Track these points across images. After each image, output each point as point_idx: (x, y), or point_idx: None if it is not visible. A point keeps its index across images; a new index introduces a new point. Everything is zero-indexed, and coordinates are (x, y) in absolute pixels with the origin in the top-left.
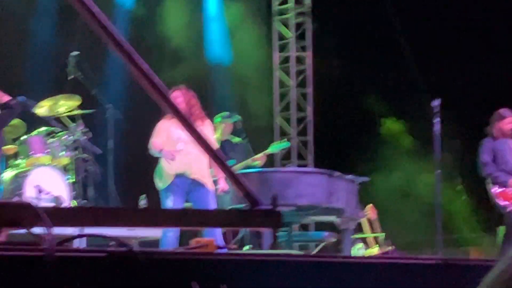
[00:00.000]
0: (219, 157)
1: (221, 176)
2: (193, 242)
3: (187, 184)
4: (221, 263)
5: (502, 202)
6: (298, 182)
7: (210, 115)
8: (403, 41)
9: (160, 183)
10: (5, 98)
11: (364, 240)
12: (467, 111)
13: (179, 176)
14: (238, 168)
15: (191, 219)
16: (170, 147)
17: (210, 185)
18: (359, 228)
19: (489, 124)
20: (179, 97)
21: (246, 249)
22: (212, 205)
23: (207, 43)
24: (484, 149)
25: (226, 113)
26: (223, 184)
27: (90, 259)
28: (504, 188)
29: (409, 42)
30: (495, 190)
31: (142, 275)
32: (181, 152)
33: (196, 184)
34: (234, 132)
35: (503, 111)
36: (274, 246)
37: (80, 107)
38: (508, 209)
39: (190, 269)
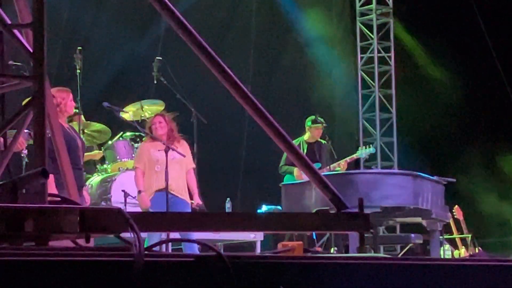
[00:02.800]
0: (305, 161)
1: (196, 192)
2: (279, 246)
3: (166, 199)
4: (308, 267)
5: None
6: (384, 184)
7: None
8: (489, 42)
9: None
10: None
11: (451, 242)
12: None
13: (159, 191)
14: (324, 171)
15: (280, 223)
16: (150, 168)
17: (187, 200)
18: (447, 229)
19: None
20: (162, 121)
21: (331, 251)
22: (188, 208)
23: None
24: None
25: (314, 117)
26: (197, 200)
27: (178, 264)
28: None
29: (496, 43)
30: None
31: (230, 279)
32: (158, 173)
33: (175, 199)
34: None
35: None
36: (361, 249)
37: (163, 111)
38: None
39: (277, 273)
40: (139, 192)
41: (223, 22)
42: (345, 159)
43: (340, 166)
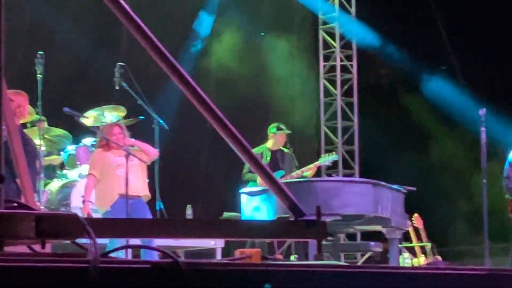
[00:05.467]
0: (264, 169)
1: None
2: (237, 253)
3: (127, 201)
4: (265, 274)
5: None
6: (344, 192)
7: (261, 124)
8: (450, 49)
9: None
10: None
11: (410, 250)
12: None
13: (121, 196)
14: (287, 178)
15: (237, 230)
16: (109, 173)
17: (146, 199)
18: (405, 238)
19: None
20: (120, 133)
21: (292, 259)
22: (149, 214)
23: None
24: (510, 162)
25: (278, 124)
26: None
27: (134, 271)
28: None
29: (456, 49)
30: None
31: (187, 286)
32: (121, 178)
33: (138, 204)
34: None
35: None
36: (319, 256)
37: (125, 117)
38: None
39: (234, 280)
40: (84, 200)
41: (185, 29)
42: (310, 165)
43: (310, 171)
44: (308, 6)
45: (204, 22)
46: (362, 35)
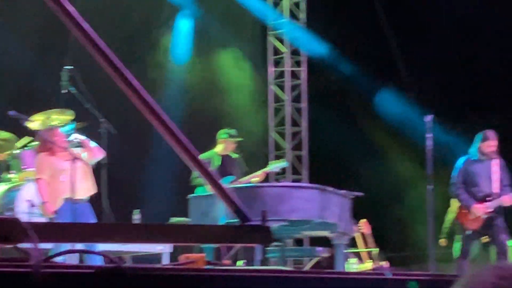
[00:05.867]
0: (210, 174)
1: None
2: (182, 258)
3: (73, 205)
4: (209, 279)
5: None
6: (291, 197)
7: (209, 129)
8: (398, 56)
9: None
10: None
11: (357, 255)
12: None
13: (66, 200)
14: (239, 183)
15: (184, 235)
16: (55, 178)
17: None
18: (353, 243)
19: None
20: (63, 137)
21: (239, 264)
22: (93, 219)
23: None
24: (458, 168)
25: (228, 130)
26: None
27: (77, 275)
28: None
29: (404, 56)
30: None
31: None
32: (65, 183)
33: (83, 208)
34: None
35: (487, 132)
36: (264, 261)
37: (73, 121)
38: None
39: (178, 285)
40: (44, 202)
41: (135, 35)
42: (259, 172)
43: (257, 178)
44: (257, 13)
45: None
46: (311, 43)
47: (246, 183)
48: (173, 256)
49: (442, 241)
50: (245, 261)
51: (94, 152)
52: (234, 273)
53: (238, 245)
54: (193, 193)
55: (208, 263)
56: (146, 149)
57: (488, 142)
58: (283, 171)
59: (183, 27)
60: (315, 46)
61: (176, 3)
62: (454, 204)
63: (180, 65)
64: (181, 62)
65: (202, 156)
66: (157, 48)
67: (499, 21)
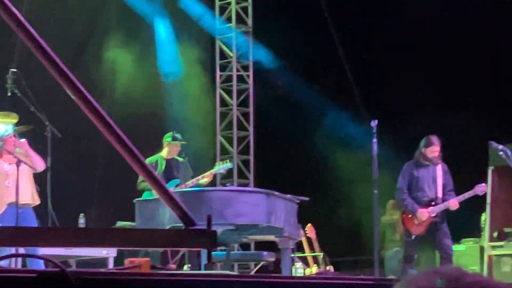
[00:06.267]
0: (155, 178)
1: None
2: (127, 262)
3: (16, 210)
4: (153, 284)
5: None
6: (237, 201)
7: (156, 133)
8: (344, 61)
9: None
10: None
11: (303, 260)
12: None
13: (10, 205)
14: (182, 187)
15: (128, 239)
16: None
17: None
18: (299, 248)
19: (418, 148)
20: (11, 140)
21: (185, 269)
22: (35, 223)
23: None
24: (403, 173)
25: (173, 133)
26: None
27: (20, 280)
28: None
29: (350, 62)
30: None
31: None
32: (10, 188)
33: (27, 213)
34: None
35: (431, 137)
36: (209, 266)
37: (17, 124)
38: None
39: None
40: None
41: (80, 38)
42: (205, 173)
43: (206, 179)
44: (204, 19)
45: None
46: (257, 49)
47: (193, 187)
48: (119, 260)
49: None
50: (189, 265)
51: (35, 162)
52: (178, 277)
53: (183, 250)
54: (139, 197)
55: (153, 267)
56: (92, 153)
57: (432, 148)
58: (230, 175)
59: (162, 37)
60: (261, 52)
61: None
62: (389, 208)
63: (173, 79)
64: (172, 77)
65: (147, 160)
66: (102, 51)
67: (445, 30)
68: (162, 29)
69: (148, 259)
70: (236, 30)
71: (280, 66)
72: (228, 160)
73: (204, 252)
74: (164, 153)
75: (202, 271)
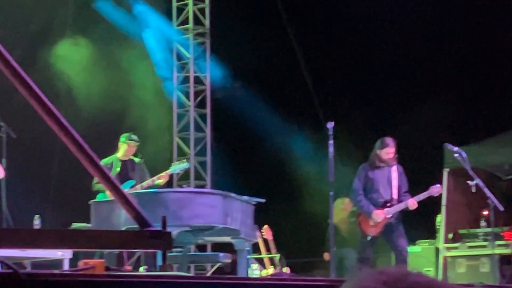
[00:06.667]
0: (110, 179)
1: None
2: (81, 264)
3: None
4: (107, 284)
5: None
6: (194, 203)
7: (112, 134)
8: (302, 63)
9: None
10: None
11: (260, 261)
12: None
13: None
14: (138, 188)
15: (84, 240)
16: None
17: None
18: (255, 249)
19: (373, 149)
20: None
21: (141, 270)
22: None
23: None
24: (358, 175)
25: (128, 134)
26: None
27: None
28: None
29: (308, 64)
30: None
31: None
32: None
33: None
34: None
35: (386, 139)
36: (164, 267)
37: None
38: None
39: None
40: None
41: (35, 36)
42: (161, 174)
43: (162, 179)
44: (160, 21)
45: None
46: (215, 55)
47: (149, 188)
48: (75, 262)
49: (326, 255)
50: (145, 267)
51: None
52: (131, 278)
53: (139, 251)
54: (95, 198)
55: (107, 268)
56: (47, 154)
57: (387, 149)
58: (186, 176)
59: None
60: (218, 54)
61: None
62: (338, 208)
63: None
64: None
65: (103, 161)
66: (58, 49)
67: (402, 30)
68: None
69: (102, 260)
70: (193, 31)
71: (237, 68)
72: (184, 160)
73: (160, 254)
74: (120, 154)
75: (157, 273)
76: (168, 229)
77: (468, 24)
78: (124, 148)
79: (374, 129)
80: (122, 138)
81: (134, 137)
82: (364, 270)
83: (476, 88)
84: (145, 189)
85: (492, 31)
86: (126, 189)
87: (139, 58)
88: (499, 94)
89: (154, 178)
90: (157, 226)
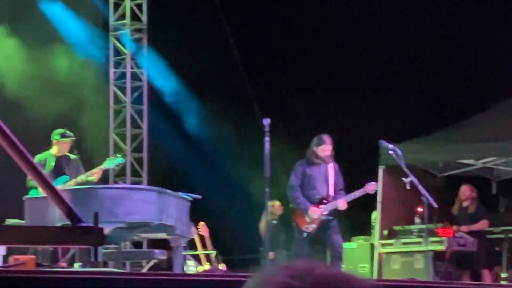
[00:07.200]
0: (42, 176)
1: None
2: (11, 260)
3: None
4: (38, 281)
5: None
6: (129, 199)
7: (48, 130)
8: (238, 59)
9: None
10: None
11: (196, 257)
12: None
13: None
14: (72, 184)
15: (15, 236)
16: None
17: None
18: (191, 245)
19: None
20: None
21: (76, 266)
22: None
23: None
24: (295, 172)
25: (63, 131)
26: None
27: None
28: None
29: (244, 60)
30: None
31: None
32: None
33: None
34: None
35: (323, 136)
36: (96, 263)
37: None
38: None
39: (6, 286)
40: None
41: None
42: (95, 169)
43: (94, 175)
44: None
45: None
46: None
47: (82, 183)
48: (7, 258)
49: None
50: (80, 263)
51: None
52: (63, 275)
53: (72, 247)
54: (28, 194)
55: (38, 265)
56: None
57: (323, 146)
58: (123, 173)
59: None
60: (155, 50)
61: None
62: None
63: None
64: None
65: (36, 158)
66: None
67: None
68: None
69: (33, 256)
70: (131, 27)
71: (173, 64)
72: (119, 155)
73: (98, 250)
74: (54, 150)
75: (90, 269)
76: (103, 226)
77: (407, 20)
78: (58, 145)
79: (311, 125)
80: (55, 135)
81: (69, 133)
82: (272, 265)
83: (412, 86)
84: (80, 185)
85: (431, 27)
86: (59, 185)
87: (76, 54)
88: (435, 92)
89: (88, 173)
90: (91, 223)
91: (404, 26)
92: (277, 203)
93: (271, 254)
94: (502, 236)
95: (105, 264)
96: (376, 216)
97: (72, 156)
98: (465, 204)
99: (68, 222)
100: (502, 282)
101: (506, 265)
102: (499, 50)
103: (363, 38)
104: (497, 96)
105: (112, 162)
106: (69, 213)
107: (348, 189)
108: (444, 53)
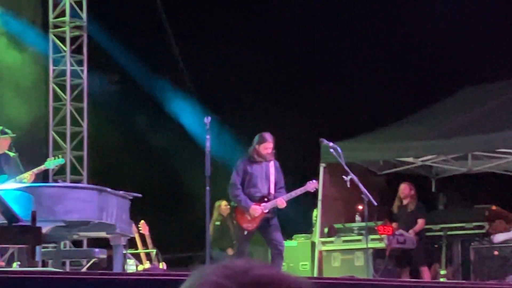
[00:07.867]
0: None
1: None
2: None
3: None
4: None
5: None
6: (68, 198)
7: None
8: (179, 59)
9: None
10: None
11: (136, 256)
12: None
13: None
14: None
15: None
16: None
17: None
18: (131, 244)
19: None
20: None
21: (14, 266)
22: None
23: None
24: (237, 169)
25: (2, 128)
26: None
27: None
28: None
29: (186, 60)
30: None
31: None
32: None
33: None
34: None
35: (265, 134)
36: (32, 263)
37: None
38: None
39: None
40: None
41: None
42: (32, 170)
43: (26, 178)
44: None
45: None
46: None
47: (21, 182)
48: None
49: (229, 250)
50: (19, 262)
51: None
52: (1, 274)
53: (9, 247)
54: None
55: None
56: None
57: (265, 144)
58: (63, 171)
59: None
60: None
61: None
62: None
63: None
64: None
65: None
66: None
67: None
68: None
69: None
70: (70, 24)
71: (115, 60)
72: (60, 156)
73: (37, 249)
74: None
75: (28, 269)
76: (42, 225)
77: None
78: None
79: (252, 123)
80: None
81: (8, 130)
82: (209, 264)
83: (352, 85)
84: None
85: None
86: None
87: (13, 48)
88: (375, 91)
89: (27, 173)
90: (25, 222)
91: (345, 24)
92: (224, 202)
93: (230, 251)
94: (441, 233)
95: (44, 263)
96: (317, 214)
97: (12, 154)
98: (404, 202)
99: (4, 221)
100: (441, 279)
101: (445, 262)
102: (439, 48)
103: (302, 34)
104: (437, 95)
105: (52, 163)
106: (5, 212)
107: (289, 187)
108: (384, 51)
